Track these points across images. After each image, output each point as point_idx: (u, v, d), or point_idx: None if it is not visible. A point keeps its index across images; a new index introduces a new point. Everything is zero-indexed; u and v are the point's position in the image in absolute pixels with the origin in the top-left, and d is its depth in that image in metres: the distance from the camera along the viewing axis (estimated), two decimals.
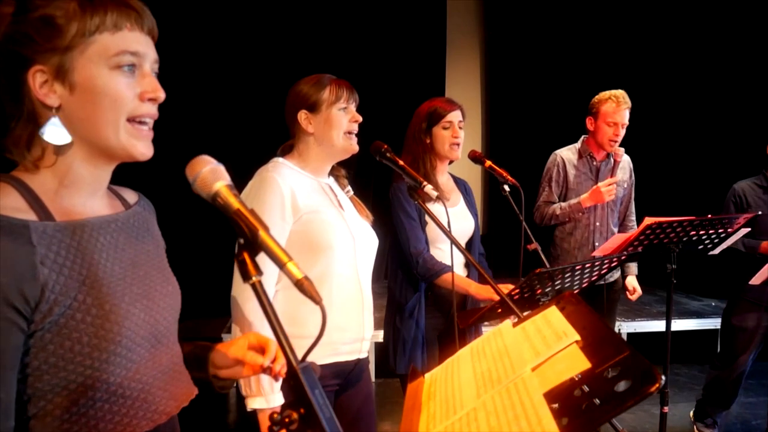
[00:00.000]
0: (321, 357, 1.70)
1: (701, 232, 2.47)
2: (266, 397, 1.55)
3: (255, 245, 0.85)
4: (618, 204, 3.15)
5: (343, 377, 1.81)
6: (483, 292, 2.13)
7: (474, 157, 2.40)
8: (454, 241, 1.69)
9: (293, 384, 0.81)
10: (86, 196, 0.99)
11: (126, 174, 1.11)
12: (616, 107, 2.97)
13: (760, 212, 2.88)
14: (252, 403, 1.56)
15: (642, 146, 5.44)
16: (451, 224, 1.89)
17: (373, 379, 4.15)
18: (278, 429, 0.81)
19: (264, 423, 1.56)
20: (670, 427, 3.75)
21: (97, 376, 0.90)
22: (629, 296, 3.26)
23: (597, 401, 0.82)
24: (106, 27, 0.92)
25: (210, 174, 0.89)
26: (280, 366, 1.17)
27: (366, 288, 1.82)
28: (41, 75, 0.91)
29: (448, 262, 2.03)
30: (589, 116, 3.10)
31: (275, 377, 1.19)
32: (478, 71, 6.11)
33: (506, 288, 1.80)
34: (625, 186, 3.19)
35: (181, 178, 0.92)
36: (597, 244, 3.05)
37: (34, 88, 0.91)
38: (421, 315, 2.29)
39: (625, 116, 3.00)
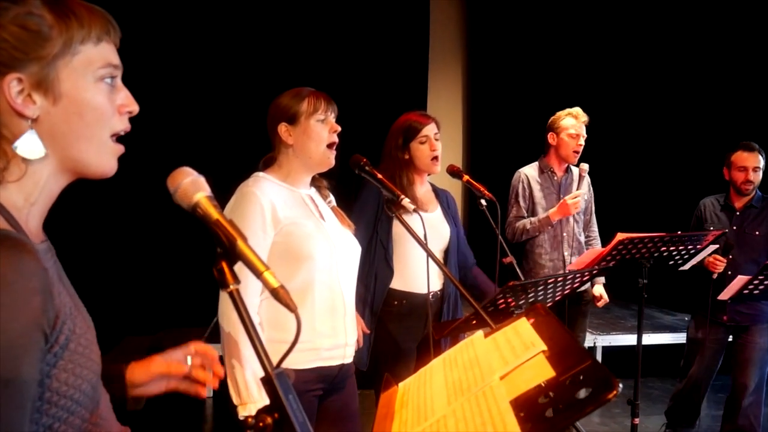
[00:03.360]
0: (305, 362, 1.75)
1: (672, 248, 2.55)
2: (258, 404, 1.58)
3: (233, 255, 0.88)
4: (582, 215, 3.31)
5: (328, 382, 1.84)
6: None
7: (452, 172, 2.45)
8: (430, 254, 1.73)
9: (268, 389, 0.84)
10: (42, 215, 0.92)
11: (100, 187, 1.09)
12: (575, 121, 3.18)
13: (726, 230, 2.98)
14: (244, 411, 1.61)
15: (616, 161, 5.57)
16: (424, 230, 1.94)
17: None
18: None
19: None
20: None
21: (78, 411, 0.85)
22: (596, 303, 3.34)
23: (559, 408, 0.86)
24: (91, 38, 0.90)
25: (190, 185, 0.91)
26: (207, 377, 1.16)
27: (348, 295, 1.86)
28: (18, 84, 0.85)
29: (424, 271, 2.07)
30: (550, 132, 3.27)
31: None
32: (460, 84, 6.19)
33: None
34: (587, 198, 3.33)
35: (163, 189, 0.93)
36: (566, 253, 3.19)
37: (9, 98, 0.84)
38: (394, 324, 2.34)
39: (584, 129, 3.20)
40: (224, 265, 0.88)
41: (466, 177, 2.41)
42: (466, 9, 6.13)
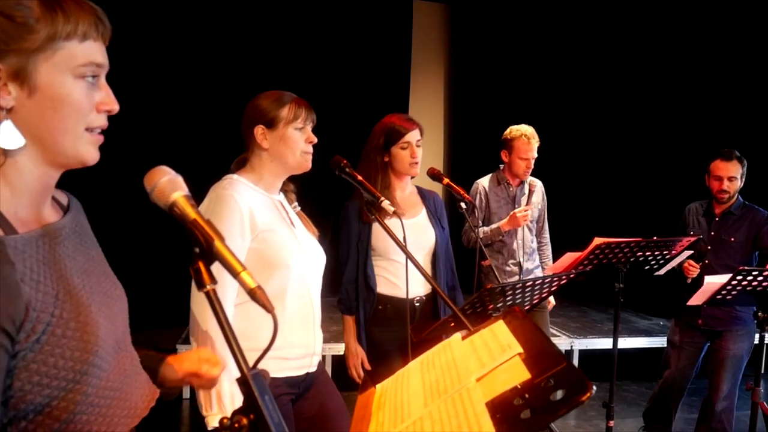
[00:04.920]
0: (275, 370, 1.71)
1: (647, 253, 2.59)
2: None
3: (210, 254, 0.87)
4: (534, 224, 3.46)
5: (296, 387, 1.83)
6: (353, 356, 2.32)
7: (432, 174, 2.46)
8: (409, 256, 1.74)
9: (243, 390, 0.83)
10: (37, 203, 0.95)
11: (73, 183, 1.09)
12: (527, 145, 3.28)
13: (701, 236, 3.03)
14: (213, 422, 1.58)
15: (595, 166, 5.63)
16: (408, 237, 1.94)
17: None
18: None
19: None
20: None
21: (77, 389, 0.88)
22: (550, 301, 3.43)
23: (534, 409, 0.87)
24: (77, 35, 0.90)
25: (168, 184, 0.91)
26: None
27: (316, 304, 1.85)
28: None
29: (403, 276, 2.07)
30: (503, 149, 3.39)
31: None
32: (442, 86, 6.22)
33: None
34: (540, 207, 3.48)
35: (137, 188, 0.93)
36: (521, 259, 3.34)
37: None
38: (375, 328, 2.34)
39: (535, 151, 3.32)
40: (201, 264, 0.88)
41: (446, 180, 2.42)
42: (449, 12, 6.16)
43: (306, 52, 5.30)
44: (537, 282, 1.92)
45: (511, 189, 3.44)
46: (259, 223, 1.71)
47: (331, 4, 5.35)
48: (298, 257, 1.76)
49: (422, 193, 2.53)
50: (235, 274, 0.86)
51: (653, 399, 3.69)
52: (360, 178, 1.88)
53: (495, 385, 1.05)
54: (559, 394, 0.88)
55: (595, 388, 0.85)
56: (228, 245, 0.88)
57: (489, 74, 5.90)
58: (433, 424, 1.02)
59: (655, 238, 2.50)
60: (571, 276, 2.04)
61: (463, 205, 2.33)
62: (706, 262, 3.32)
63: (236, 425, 0.83)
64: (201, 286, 0.87)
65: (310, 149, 1.81)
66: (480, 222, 3.35)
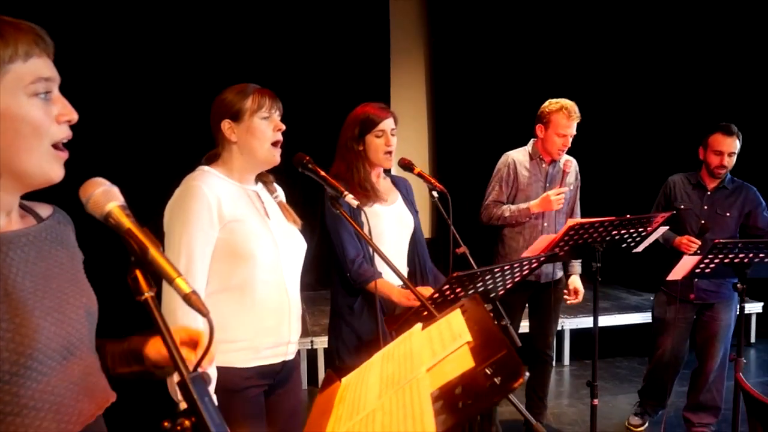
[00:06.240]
0: (244, 361, 1.77)
1: (623, 231, 2.60)
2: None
3: (146, 262, 0.89)
4: (565, 205, 3.20)
5: (271, 377, 1.85)
6: (404, 298, 2.19)
7: (404, 165, 2.47)
8: (373, 246, 1.75)
9: (183, 393, 0.85)
10: None
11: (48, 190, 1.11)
12: (567, 120, 3.04)
13: (674, 211, 3.04)
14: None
15: (588, 147, 5.62)
16: (390, 225, 1.93)
17: (304, 386, 4.19)
18: None
19: None
20: (607, 419, 3.92)
21: (6, 389, 0.92)
22: (567, 296, 3.31)
23: (471, 397, 0.89)
24: (19, 56, 0.95)
25: (102, 196, 0.92)
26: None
27: (293, 293, 1.86)
28: None
29: (384, 265, 2.08)
30: (539, 124, 3.14)
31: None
32: (423, 73, 6.19)
33: (428, 291, 1.87)
34: (572, 188, 3.28)
35: (132, 190, 0.95)
36: None
37: None
38: (360, 319, 2.35)
39: (574, 128, 3.07)
40: (138, 273, 0.89)
41: (417, 169, 2.43)
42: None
43: (283, 43, 5.25)
44: (506, 267, 1.94)
45: (543, 165, 3.19)
46: (226, 213, 1.73)
47: None
48: (267, 247, 1.78)
49: (394, 180, 2.55)
50: (170, 281, 0.87)
51: (648, 377, 3.71)
52: (322, 173, 1.89)
53: (443, 374, 1.07)
54: (495, 382, 0.90)
55: (528, 374, 0.87)
56: (162, 252, 0.89)
57: (471, 59, 5.87)
58: (383, 416, 1.04)
59: (628, 216, 2.52)
60: (542, 259, 2.06)
61: (435, 194, 2.34)
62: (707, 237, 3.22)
63: (178, 428, 0.85)
64: (139, 294, 0.88)
65: (279, 137, 1.83)
66: (505, 198, 3.19)
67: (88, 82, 4.22)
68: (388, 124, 2.38)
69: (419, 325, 1.38)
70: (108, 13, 4.62)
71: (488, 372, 0.92)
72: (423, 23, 6.12)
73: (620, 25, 5.79)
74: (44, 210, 1.13)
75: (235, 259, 1.73)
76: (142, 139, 4.77)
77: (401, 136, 2.52)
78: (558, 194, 2.97)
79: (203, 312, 0.87)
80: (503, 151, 3.31)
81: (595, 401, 2.77)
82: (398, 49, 5.88)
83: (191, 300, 0.87)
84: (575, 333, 4.90)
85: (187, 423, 0.85)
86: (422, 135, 6.13)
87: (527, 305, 3.35)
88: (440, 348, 1.15)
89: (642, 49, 5.74)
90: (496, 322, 2.14)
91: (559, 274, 3.32)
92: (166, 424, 0.85)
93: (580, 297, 3.31)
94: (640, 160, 5.72)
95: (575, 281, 3.31)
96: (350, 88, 5.30)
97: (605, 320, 4.96)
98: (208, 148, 1.91)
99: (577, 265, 3.34)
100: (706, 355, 3.47)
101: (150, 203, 1.93)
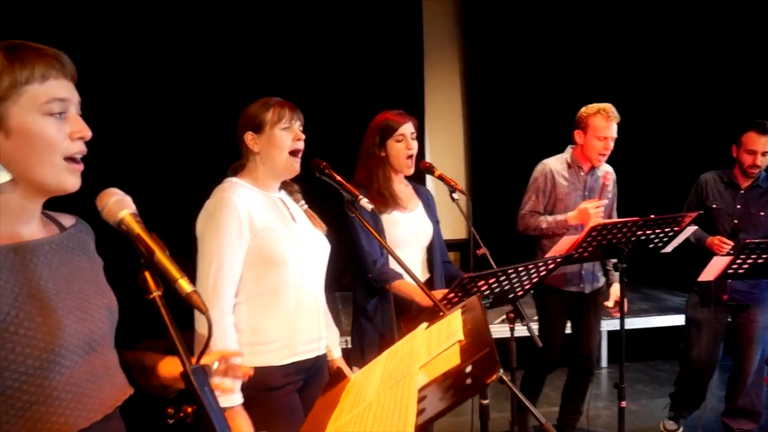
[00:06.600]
0: (283, 358, 1.86)
1: (648, 232, 2.58)
2: (229, 396, 1.69)
3: (153, 264, 0.98)
4: (603, 216, 3.10)
5: (305, 373, 1.95)
6: (427, 299, 2.23)
7: (424, 168, 2.52)
8: (389, 250, 1.82)
9: (186, 384, 0.94)
10: (20, 224, 1.10)
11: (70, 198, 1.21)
12: (606, 122, 2.98)
13: (701, 211, 2.98)
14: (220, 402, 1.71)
15: (620, 145, 5.53)
16: (409, 230, 1.97)
17: None
18: (174, 420, 0.94)
19: (234, 419, 1.70)
20: (644, 422, 3.86)
21: (32, 381, 1.02)
22: (607, 304, 3.24)
23: (450, 393, 0.94)
24: (35, 78, 1.05)
25: (115, 204, 1.03)
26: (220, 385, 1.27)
27: (319, 292, 1.97)
28: None
29: (397, 268, 2.14)
30: (577, 129, 3.09)
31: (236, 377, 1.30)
32: (458, 78, 6.19)
33: (442, 293, 1.93)
34: (610, 197, 3.22)
35: (152, 198, 1.04)
36: None
37: None
38: (378, 319, 2.41)
39: (614, 130, 3.01)
40: (147, 274, 0.98)
41: (438, 172, 2.48)
42: (460, 1, 6.14)
43: (316, 49, 5.28)
44: (521, 268, 1.97)
45: (582, 173, 3.11)
46: (257, 222, 1.83)
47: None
48: (295, 250, 1.88)
49: (416, 188, 2.62)
50: (173, 282, 0.96)
51: (681, 381, 3.63)
52: (338, 178, 1.97)
53: (435, 370, 1.12)
54: (472, 378, 0.95)
55: (501, 371, 0.91)
56: (168, 256, 0.98)
57: (506, 62, 5.83)
58: (377, 409, 1.11)
59: (652, 216, 2.50)
60: (558, 260, 2.08)
61: (455, 196, 2.39)
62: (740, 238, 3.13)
63: (181, 414, 0.95)
64: (147, 292, 0.98)
65: (298, 146, 1.92)
66: (542, 208, 3.13)
67: (116, 97, 4.40)
68: (407, 128, 2.45)
69: (424, 324, 1.44)
70: (137, 26, 4.77)
71: (468, 369, 0.98)
72: (457, 23, 6.13)
73: (654, 24, 5.69)
74: (67, 220, 1.24)
75: (267, 264, 1.83)
76: (168, 150, 4.89)
77: (435, 136, 2.58)
78: (597, 207, 2.89)
79: (202, 310, 0.95)
80: (539, 153, 3.28)
81: (623, 403, 2.75)
82: (432, 50, 5.90)
83: (192, 298, 0.95)
84: (613, 334, 4.83)
85: (189, 409, 0.94)
86: (457, 136, 6.13)
87: (569, 313, 3.31)
88: (435, 346, 1.21)
89: (677, 47, 5.63)
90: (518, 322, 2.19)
91: (600, 282, 3.29)
92: (170, 410, 0.94)
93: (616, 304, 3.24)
94: (672, 158, 5.60)
95: (616, 291, 3.22)
96: (384, 91, 5.34)
97: (644, 322, 4.87)
98: (230, 159, 2.02)
99: (617, 274, 3.29)
100: (743, 358, 3.39)
101: (172, 211, 2.05)
